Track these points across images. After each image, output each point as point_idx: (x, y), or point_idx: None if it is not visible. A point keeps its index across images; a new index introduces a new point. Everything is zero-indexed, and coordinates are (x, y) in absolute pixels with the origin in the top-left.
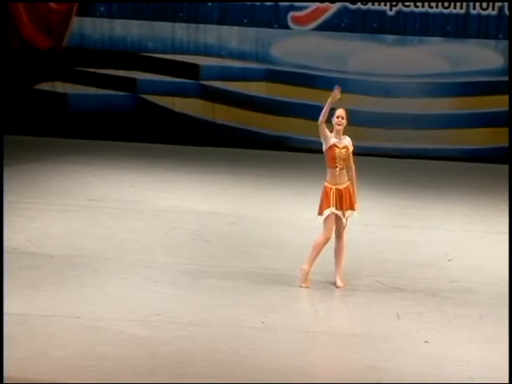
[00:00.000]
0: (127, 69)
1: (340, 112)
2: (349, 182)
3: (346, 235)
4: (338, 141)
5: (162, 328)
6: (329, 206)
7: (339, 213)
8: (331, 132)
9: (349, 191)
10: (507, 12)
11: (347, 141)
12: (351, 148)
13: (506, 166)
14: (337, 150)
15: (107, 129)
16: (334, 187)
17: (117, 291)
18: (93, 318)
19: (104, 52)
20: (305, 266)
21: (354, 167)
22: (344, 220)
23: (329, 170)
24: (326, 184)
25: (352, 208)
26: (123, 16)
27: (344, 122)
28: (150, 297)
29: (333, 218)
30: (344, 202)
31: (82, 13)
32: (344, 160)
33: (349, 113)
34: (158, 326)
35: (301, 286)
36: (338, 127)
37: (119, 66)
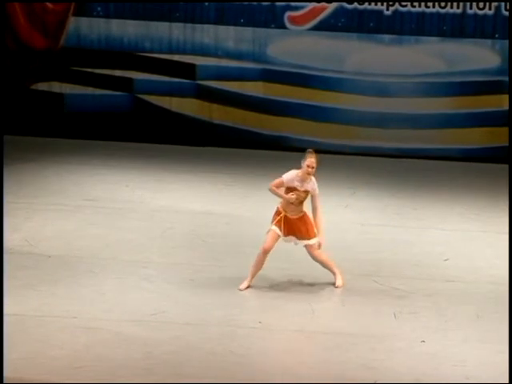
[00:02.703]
0: (124, 69)
1: (311, 162)
2: (302, 214)
3: (320, 253)
4: (300, 185)
5: (158, 328)
6: (273, 223)
7: (284, 238)
8: (298, 172)
9: (304, 222)
10: (504, 12)
11: (310, 186)
12: (315, 191)
13: (503, 166)
14: (295, 193)
15: (103, 129)
16: (283, 213)
17: (113, 291)
18: (89, 318)
19: (101, 52)
20: (245, 282)
21: (319, 209)
22: (301, 245)
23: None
24: (279, 206)
25: (308, 237)
26: (120, 16)
27: (314, 171)
28: (145, 297)
29: (273, 235)
30: (297, 230)
31: (79, 13)
32: (300, 202)
33: (344, 113)
34: (154, 325)
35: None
36: (307, 176)
37: (116, 66)
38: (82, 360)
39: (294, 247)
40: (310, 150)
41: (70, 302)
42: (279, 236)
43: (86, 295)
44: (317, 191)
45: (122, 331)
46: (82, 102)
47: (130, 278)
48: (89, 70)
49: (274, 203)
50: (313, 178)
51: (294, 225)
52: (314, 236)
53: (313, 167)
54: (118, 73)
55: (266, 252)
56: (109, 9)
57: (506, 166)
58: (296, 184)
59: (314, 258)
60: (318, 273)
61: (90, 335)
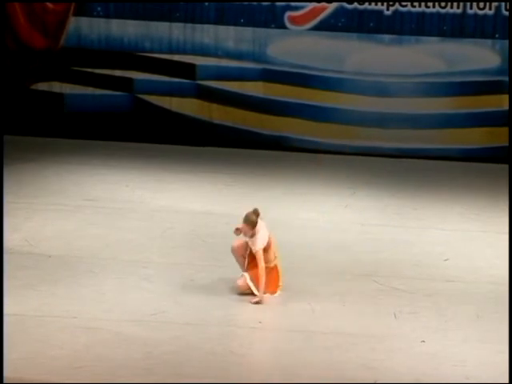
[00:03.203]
0: (124, 69)
1: (242, 227)
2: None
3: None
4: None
5: (157, 328)
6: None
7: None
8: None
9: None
10: (504, 12)
11: (252, 240)
12: (253, 247)
13: (503, 166)
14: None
15: (104, 129)
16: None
17: (113, 291)
18: (89, 318)
19: (101, 52)
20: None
21: (259, 266)
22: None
23: None
24: None
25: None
26: (120, 16)
27: (241, 232)
28: (145, 297)
29: (241, 243)
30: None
31: (79, 13)
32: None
33: (344, 113)
34: (153, 325)
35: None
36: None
37: (116, 66)
38: (82, 360)
39: (294, 247)
40: (249, 212)
41: (70, 302)
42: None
43: (86, 295)
44: (256, 247)
45: (121, 331)
46: (82, 102)
47: (130, 278)
48: (89, 70)
49: (273, 203)
50: (257, 234)
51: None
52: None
53: (240, 232)
54: (118, 73)
55: (232, 251)
56: (109, 9)
57: (506, 166)
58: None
59: (238, 289)
60: (318, 273)
61: (89, 335)
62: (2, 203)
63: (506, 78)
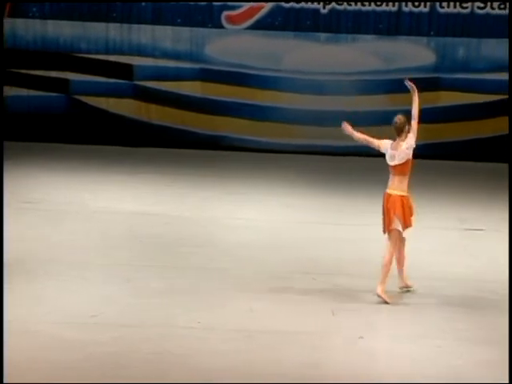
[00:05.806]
0: (60, 69)
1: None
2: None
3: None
4: None
5: (97, 330)
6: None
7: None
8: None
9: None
10: (439, 9)
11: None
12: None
13: (440, 162)
14: None
15: (41, 130)
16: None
17: (52, 293)
18: (27, 321)
19: (36, 53)
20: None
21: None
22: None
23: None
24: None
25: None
26: (55, 17)
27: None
28: (85, 298)
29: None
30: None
31: (14, 13)
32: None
33: (283, 112)
34: (93, 327)
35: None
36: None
37: (52, 67)
38: (21, 363)
39: (234, 247)
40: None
41: (9, 305)
42: None
43: (25, 298)
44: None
45: (61, 333)
46: (18, 104)
47: (70, 280)
48: (25, 71)
49: (212, 203)
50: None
51: None
52: None
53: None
54: (53, 74)
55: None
56: (44, 9)
57: (444, 162)
58: None
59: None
60: (257, 272)
61: (28, 338)
62: (2, 205)
63: (442, 75)
